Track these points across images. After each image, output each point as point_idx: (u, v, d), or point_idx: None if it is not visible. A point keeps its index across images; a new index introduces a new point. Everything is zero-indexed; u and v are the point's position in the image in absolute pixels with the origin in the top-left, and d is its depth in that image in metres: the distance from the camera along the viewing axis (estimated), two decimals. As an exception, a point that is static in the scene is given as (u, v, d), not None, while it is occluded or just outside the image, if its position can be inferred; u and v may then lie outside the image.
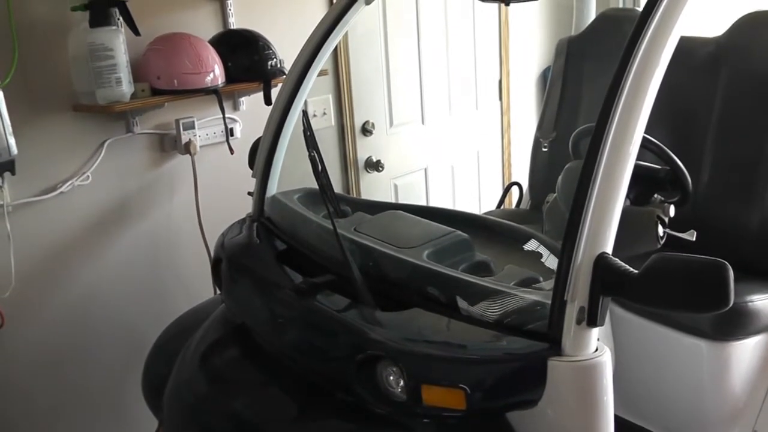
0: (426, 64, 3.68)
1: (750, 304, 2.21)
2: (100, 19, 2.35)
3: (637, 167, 1.41)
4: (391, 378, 1.49)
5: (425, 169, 3.82)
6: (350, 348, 1.56)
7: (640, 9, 1.44)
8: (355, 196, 3.40)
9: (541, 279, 1.61)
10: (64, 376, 2.60)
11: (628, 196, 1.49)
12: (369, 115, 3.49)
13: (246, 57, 2.75)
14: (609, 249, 1.35)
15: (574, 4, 3.31)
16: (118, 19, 2.41)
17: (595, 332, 1.38)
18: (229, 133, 2.84)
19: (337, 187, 3.34)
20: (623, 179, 1.36)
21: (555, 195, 2.05)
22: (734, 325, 2.20)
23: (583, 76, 3.11)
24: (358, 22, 2.28)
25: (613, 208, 1.35)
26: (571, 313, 1.35)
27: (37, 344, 2.52)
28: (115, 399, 2.73)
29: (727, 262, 1.26)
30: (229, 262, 2.04)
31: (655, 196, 1.96)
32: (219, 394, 1.82)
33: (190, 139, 2.74)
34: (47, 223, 2.49)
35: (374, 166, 3.53)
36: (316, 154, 1.81)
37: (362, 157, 3.50)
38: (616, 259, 1.35)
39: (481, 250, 1.79)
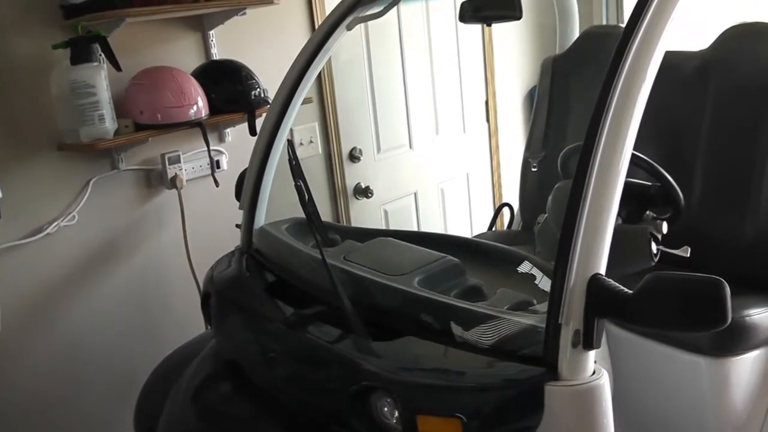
0: (412, 88, 3.67)
1: (747, 318, 2.18)
2: (81, 55, 2.35)
3: (627, 184, 1.39)
4: (386, 409, 1.46)
5: (415, 194, 3.80)
6: (343, 380, 1.53)
7: (624, 26, 1.43)
8: (344, 223, 3.38)
9: (535, 302, 1.58)
10: (55, 419, 2.56)
11: (619, 214, 1.47)
12: (356, 141, 3.47)
13: (229, 88, 2.74)
14: (602, 269, 1.33)
15: (557, 23, 3.31)
16: (100, 55, 2.40)
17: (592, 355, 1.35)
18: (216, 165, 2.82)
19: (327, 216, 3.32)
20: (614, 197, 1.34)
21: (546, 215, 2.04)
22: (733, 340, 2.17)
23: (569, 94, 3.10)
24: (341, 49, 2.28)
25: (604, 228, 1.33)
26: (566, 336, 1.32)
27: (25, 389, 2.49)
28: (108, 439, 2.69)
29: (723, 279, 1.23)
30: (219, 297, 2.02)
31: (647, 213, 1.94)
32: (211, 430, 1.79)
33: (176, 174, 2.72)
34: (34, 266, 2.47)
35: (363, 192, 3.51)
36: (302, 184, 1.79)
37: (351, 184, 3.48)
38: (610, 279, 1.32)
39: (473, 274, 1.76)
